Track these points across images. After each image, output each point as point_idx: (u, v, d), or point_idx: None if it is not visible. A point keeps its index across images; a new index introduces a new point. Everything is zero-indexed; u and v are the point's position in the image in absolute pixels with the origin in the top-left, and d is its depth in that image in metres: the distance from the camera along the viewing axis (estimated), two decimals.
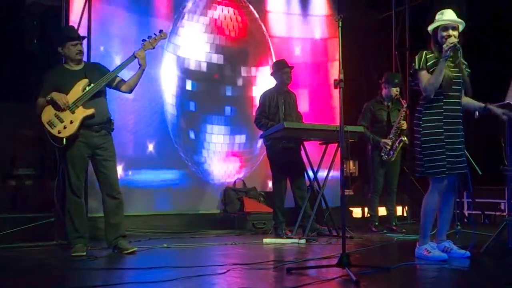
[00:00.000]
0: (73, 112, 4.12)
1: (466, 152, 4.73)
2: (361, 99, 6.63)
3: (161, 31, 4.55)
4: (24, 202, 5.92)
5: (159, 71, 6.52)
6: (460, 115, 3.86)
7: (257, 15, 7.41)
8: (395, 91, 5.81)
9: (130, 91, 4.49)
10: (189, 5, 6.87)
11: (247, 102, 7.22)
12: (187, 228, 6.10)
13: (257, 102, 6.08)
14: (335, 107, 7.56)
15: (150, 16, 6.52)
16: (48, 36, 6.01)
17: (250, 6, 7.37)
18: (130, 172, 6.06)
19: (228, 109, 7.09)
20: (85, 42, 5.40)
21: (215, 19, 7.04)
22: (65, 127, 4.09)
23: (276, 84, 5.77)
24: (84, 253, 4.17)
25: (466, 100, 3.96)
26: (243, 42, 7.27)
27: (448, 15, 3.81)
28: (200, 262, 3.81)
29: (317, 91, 7.72)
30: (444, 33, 3.77)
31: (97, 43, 5.76)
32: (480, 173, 5.15)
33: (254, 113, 5.95)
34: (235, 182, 6.99)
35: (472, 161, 5.13)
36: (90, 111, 4.17)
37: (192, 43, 6.79)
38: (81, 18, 5.66)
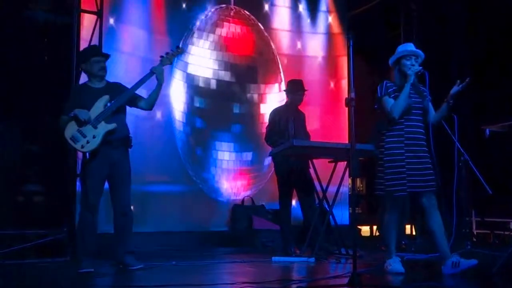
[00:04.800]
0: (95, 127, 4.22)
1: (475, 169, 4.74)
2: (370, 117, 6.64)
3: (177, 46, 4.65)
4: (33, 218, 5.93)
5: (169, 88, 6.58)
6: (422, 138, 4.09)
7: (266, 33, 7.49)
8: None
9: (150, 108, 4.58)
10: (199, 22, 6.97)
11: (256, 119, 7.26)
12: (195, 246, 6.09)
13: (265, 119, 6.10)
14: (344, 125, 7.60)
15: (160, 34, 6.61)
16: (59, 54, 6.08)
17: (259, 24, 7.45)
18: (139, 190, 6.05)
19: (236, 126, 7.15)
20: None
21: (224, 37, 7.13)
22: (88, 142, 4.18)
23: (286, 102, 5.81)
24: (92, 269, 4.19)
25: (437, 115, 4.15)
26: (252, 59, 7.34)
27: (410, 47, 4.17)
28: (209, 280, 3.80)
29: (326, 108, 7.76)
30: (408, 62, 4.09)
31: (108, 60, 5.80)
32: (490, 192, 5.15)
33: (263, 130, 5.99)
34: (243, 199, 6.98)
35: (482, 179, 5.13)
36: (112, 126, 4.26)
37: (201, 61, 6.87)
38: (92, 35, 5.74)
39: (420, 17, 7.84)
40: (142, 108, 4.55)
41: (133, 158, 4.48)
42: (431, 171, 4.04)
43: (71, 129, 4.20)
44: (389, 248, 4.21)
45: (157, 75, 4.41)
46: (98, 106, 4.26)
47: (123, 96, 4.35)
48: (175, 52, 4.58)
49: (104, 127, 4.23)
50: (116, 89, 4.43)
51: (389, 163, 4.01)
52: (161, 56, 4.53)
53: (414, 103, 4.07)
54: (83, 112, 4.19)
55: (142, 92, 4.55)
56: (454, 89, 4.00)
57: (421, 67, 4.03)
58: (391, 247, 4.19)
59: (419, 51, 4.12)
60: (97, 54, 4.41)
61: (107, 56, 4.46)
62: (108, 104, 4.28)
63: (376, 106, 4.17)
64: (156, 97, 4.51)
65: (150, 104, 4.51)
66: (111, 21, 6.17)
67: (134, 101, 4.47)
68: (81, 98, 4.31)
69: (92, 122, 4.21)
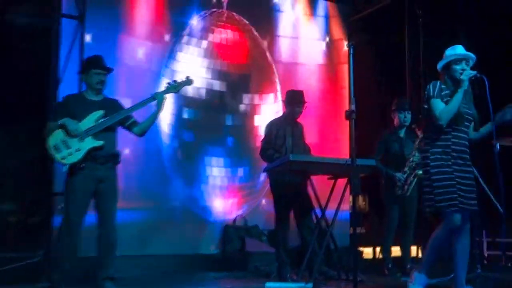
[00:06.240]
0: (82, 141, 4.27)
1: (485, 187, 4.80)
2: (373, 130, 6.67)
3: (188, 77, 4.72)
4: (6, 240, 5.90)
5: None
6: (467, 151, 4.04)
7: (261, 39, 7.54)
8: (403, 117, 5.89)
9: (142, 134, 4.67)
10: (189, 28, 7.00)
11: (250, 132, 7.27)
12: (183, 270, 6.05)
13: (260, 132, 6.16)
14: (344, 138, 7.60)
15: (147, 40, 6.65)
16: (40, 59, 6.12)
17: (254, 30, 7.48)
18: (119, 208, 6.03)
19: (228, 139, 7.15)
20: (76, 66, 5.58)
21: (216, 43, 7.16)
22: (70, 154, 4.25)
23: (284, 114, 5.80)
24: None
25: (479, 132, 4.15)
26: (246, 67, 7.36)
27: (460, 50, 4.10)
28: None
29: (326, 120, 7.80)
30: (458, 67, 4.03)
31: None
32: (502, 211, 5.19)
33: (257, 144, 6.01)
34: (235, 219, 6.97)
35: (492, 197, 5.18)
36: (99, 142, 4.32)
37: (191, 69, 6.85)
38: (73, 41, 5.78)
39: (426, 23, 7.91)
40: (133, 133, 4.64)
41: None
42: (474, 189, 4.00)
43: (56, 138, 4.26)
44: (424, 265, 4.10)
45: (158, 102, 4.51)
46: (90, 120, 4.35)
47: (117, 115, 4.42)
48: (183, 82, 4.67)
49: (90, 142, 4.30)
50: (112, 106, 4.52)
51: (437, 175, 3.92)
52: (168, 83, 4.64)
53: (465, 112, 4.01)
54: (73, 123, 4.27)
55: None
56: (508, 115, 3.98)
57: (475, 72, 3.98)
58: (426, 266, 4.08)
59: (470, 54, 4.07)
60: (98, 67, 4.49)
61: (108, 70, 4.54)
62: (101, 120, 4.35)
63: (425, 106, 4.08)
64: (150, 125, 4.63)
65: (142, 130, 4.62)
66: (94, 26, 6.20)
67: (127, 123, 4.57)
68: (73, 108, 4.38)
69: (80, 134, 4.26)
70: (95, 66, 4.48)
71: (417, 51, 7.91)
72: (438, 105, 3.97)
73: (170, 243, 6.43)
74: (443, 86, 4.05)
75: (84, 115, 4.35)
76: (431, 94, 4.01)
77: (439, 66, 4.13)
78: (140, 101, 4.53)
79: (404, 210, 5.91)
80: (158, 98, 4.51)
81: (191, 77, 4.73)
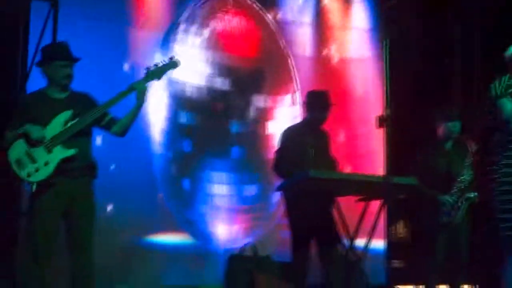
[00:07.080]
0: (49, 151, 4.15)
1: None
2: (413, 142, 6.57)
3: (171, 58, 4.54)
4: None
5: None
6: None
7: (275, 28, 7.50)
8: (451, 127, 5.71)
9: (122, 134, 4.51)
10: (187, 14, 6.99)
11: (261, 141, 7.23)
12: None
13: (274, 141, 6.14)
14: (378, 151, 7.49)
15: (136, 28, 6.65)
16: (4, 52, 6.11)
17: (267, 16, 7.45)
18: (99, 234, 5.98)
19: (235, 150, 7.11)
20: None
21: (220, 32, 7.14)
22: (37, 170, 4.12)
23: (305, 120, 5.76)
24: None
25: None
26: (256, 61, 7.35)
27: None
28: None
29: (356, 128, 7.75)
30: None
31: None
32: None
33: (270, 156, 5.98)
34: (242, 248, 6.77)
35: None
36: (71, 151, 4.19)
37: (189, 63, 6.83)
38: (43, 29, 5.77)
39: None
40: (112, 133, 4.50)
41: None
42: None
43: (18, 150, 4.13)
44: None
45: (138, 93, 4.35)
46: (57, 124, 4.21)
47: (91, 114, 4.28)
48: (167, 65, 4.49)
49: (60, 152, 4.18)
50: (82, 102, 4.38)
51: (505, 195, 3.82)
52: (147, 69, 4.45)
53: None
54: (36, 129, 4.14)
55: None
56: None
57: None
58: None
59: None
60: (64, 57, 4.33)
61: (76, 60, 4.38)
62: (70, 123, 4.22)
63: (490, 112, 3.97)
64: (132, 122, 4.47)
65: (122, 129, 4.47)
66: (71, 11, 6.15)
67: (103, 122, 4.41)
68: (35, 110, 4.27)
69: (47, 143, 4.13)
70: (60, 57, 4.32)
71: (470, 47, 7.75)
72: (506, 105, 3.80)
73: (160, 276, 6.42)
74: (510, 82, 3.86)
75: (49, 118, 4.21)
76: (494, 93, 3.86)
77: (509, 53, 3.94)
78: (116, 94, 4.35)
79: (454, 241, 5.72)
80: (138, 88, 4.34)
81: (176, 58, 4.54)
